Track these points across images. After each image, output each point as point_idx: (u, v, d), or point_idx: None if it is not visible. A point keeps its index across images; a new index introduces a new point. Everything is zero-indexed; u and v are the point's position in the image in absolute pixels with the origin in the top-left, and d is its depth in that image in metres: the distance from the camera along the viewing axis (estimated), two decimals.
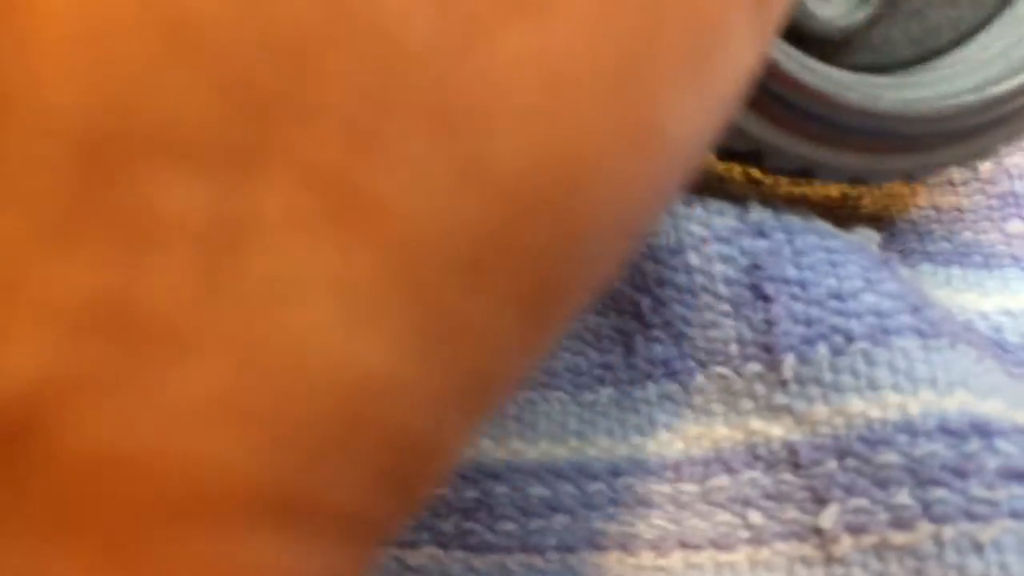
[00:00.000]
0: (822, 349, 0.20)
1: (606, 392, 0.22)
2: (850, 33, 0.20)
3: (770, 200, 0.21)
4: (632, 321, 0.22)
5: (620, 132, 0.11)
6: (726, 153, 0.21)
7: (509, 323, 0.11)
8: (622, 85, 0.11)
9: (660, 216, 0.13)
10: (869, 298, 0.20)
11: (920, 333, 0.20)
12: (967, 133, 0.20)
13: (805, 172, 0.20)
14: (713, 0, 0.12)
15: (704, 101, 0.12)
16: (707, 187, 0.22)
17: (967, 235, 0.23)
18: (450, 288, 0.11)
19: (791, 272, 0.21)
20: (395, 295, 0.10)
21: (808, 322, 0.20)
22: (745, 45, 0.13)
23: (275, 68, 0.10)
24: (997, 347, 0.21)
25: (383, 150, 0.10)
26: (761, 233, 0.21)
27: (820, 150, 0.20)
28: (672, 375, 0.21)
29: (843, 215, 0.23)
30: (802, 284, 0.20)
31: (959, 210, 0.23)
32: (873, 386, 0.19)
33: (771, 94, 0.19)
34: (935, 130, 0.20)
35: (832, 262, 0.21)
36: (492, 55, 0.10)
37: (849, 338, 0.20)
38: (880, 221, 0.23)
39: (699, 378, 0.21)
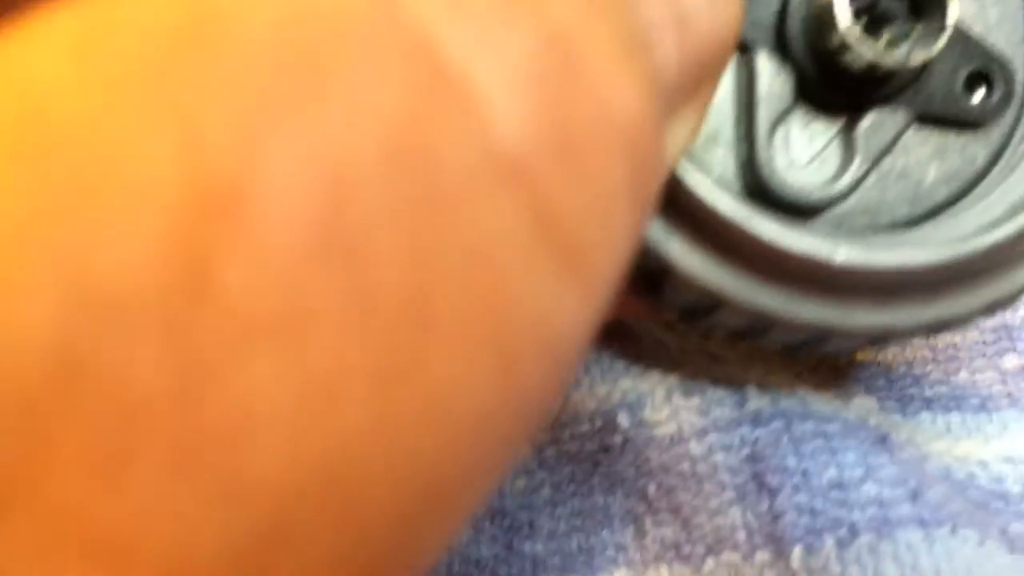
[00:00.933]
0: (828, 541, 0.20)
1: (620, 574, 0.22)
2: (833, 201, 0.20)
3: (769, 377, 0.21)
4: (640, 504, 0.22)
5: (396, 416, 0.11)
6: (735, 333, 0.20)
7: None
8: (392, 377, 0.11)
9: (493, 469, 0.13)
10: (870, 488, 0.20)
11: (922, 523, 0.20)
12: (994, 272, 0.19)
13: (817, 340, 0.19)
14: (498, 275, 0.12)
15: (506, 367, 0.12)
16: (704, 369, 0.22)
17: (963, 375, 0.23)
18: None
19: (791, 462, 0.21)
20: None
21: (812, 513, 0.20)
22: (555, 304, 0.12)
23: (7, 440, 0.10)
24: (999, 499, 0.22)
25: (127, 493, 0.10)
26: (759, 422, 0.21)
27: (829, 312, 0.18)
28: (683, 559, 0.22)
29: (839, 365, 0.23)
30: (804, 474, 0.20)
31: (954, 348, 0.23)
32: None
33: (760, 262, 0.18)
34: (949, 277, 0.18)
35: (831, 449, 0.21)
36: (237, 386, 0.10)
37: (854, 531, 0.20)
38: (876, 367, 0.23)
39: (709, 563, 0.21)
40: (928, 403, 0.22)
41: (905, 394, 0.23)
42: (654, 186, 0.15)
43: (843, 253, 0.18)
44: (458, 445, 0.12)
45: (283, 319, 0.10)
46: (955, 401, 0.22)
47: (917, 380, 0.23)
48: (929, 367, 0.23)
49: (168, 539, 0.10)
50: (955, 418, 0.22)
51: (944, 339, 0.23)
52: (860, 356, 0.23)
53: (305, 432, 0.11)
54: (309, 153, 0.10)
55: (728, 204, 0.18)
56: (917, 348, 0.23)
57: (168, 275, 0.10)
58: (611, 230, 0.13)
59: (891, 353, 0.23)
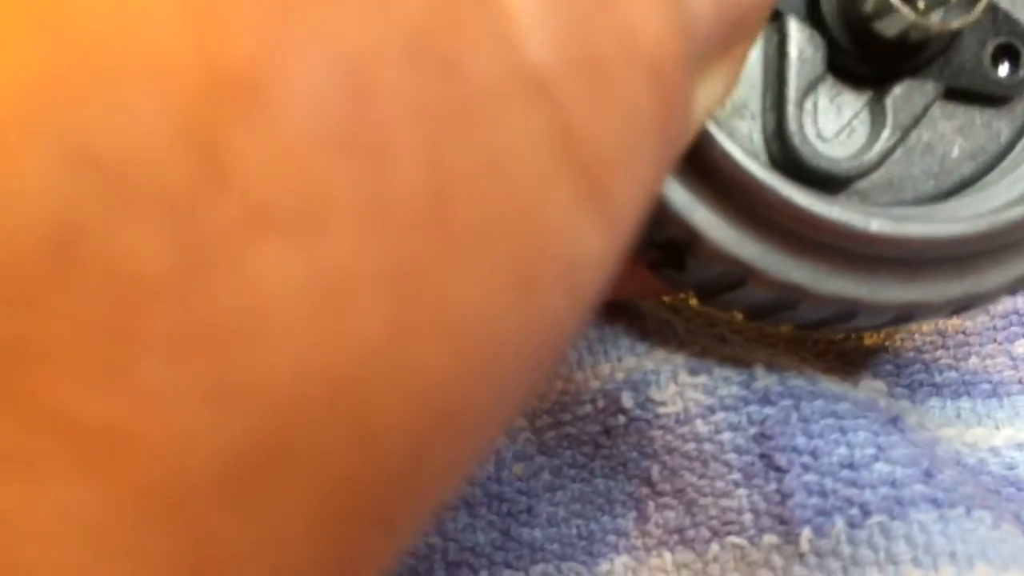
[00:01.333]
0: (839, 522, 0.19)
1: (621, 560, 0.21)
2: (862, 172, 0.19)
3: (776, 359, 0.21)
4: (643, 487, 0.21)
5: (411, 327, 0.10)
6: (758, 310, 0.19)
7: (301, 541, 0.10)
8: (409, 284, 0.10)
9: (509, 402, 0.12)
10: (882, 467, 0.19)
11: (936, 503, 0.19)
12: (1022, 247, 0.18)
13: (843, 317, 0.19)
14: (519, 191, 0.11)
15: (525, 291, 0.11)
16: (710, 349, 0.21)
17: (973, 360, 0.22)
18: (212, 512, 0.10)
19: (800, 441, 0.20)
20: (141, 526, 0.10)
21: (823, 494, 0.19)
22: (577, 231, 0.12)
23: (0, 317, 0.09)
24: (1011, 486, 0.21)
25: (120, 383, 0.09)
26: (767, 401, 0.20)
27: (860, 286, 0.18)
28: (686, 544, 0.21)
29: (847, 350, 0.22)
30: (813, 453, 0.20)
31: (964, 333, 0.22)
32: (893, 560, 0.19)
33: (791, 233, 0.18)
34: (979, 250, 0.18)
35: (841, 428, 0.20)
36: (244, 276, 0.10)
37: (865, 511, 0.19)
38: (885, 352, 0.22)
39: (714, 548, 0.20)
40: (937, 389, 0.22)
41: (914, 380, 0.22)
42: (680, 133, 0.14)
43: (876, 223, 0.17)
44: (475, 370, 0.11)
45: (298, 210, 0.10)
46: (965, 387, 0.22)
47: (926, 366, 0.22)
48: (939, 352, 0.22)
49: (166, 440, 0.10)
50: (965, 404, 0.22)
51: (953, 324, 0.22)
52: (868, 341, 0.22)
53: (315, 333, 0.10)
54: (332, 43, 0.10)
55: (761, 170, 0.17)
56: (926, 334, 0.22)
57: (178, 154, 0.09)
58: (635, 166, 0.12)
59: (899, 339, 0.22)
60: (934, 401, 0.22)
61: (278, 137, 0.10)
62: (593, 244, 0.12)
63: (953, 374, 0.22)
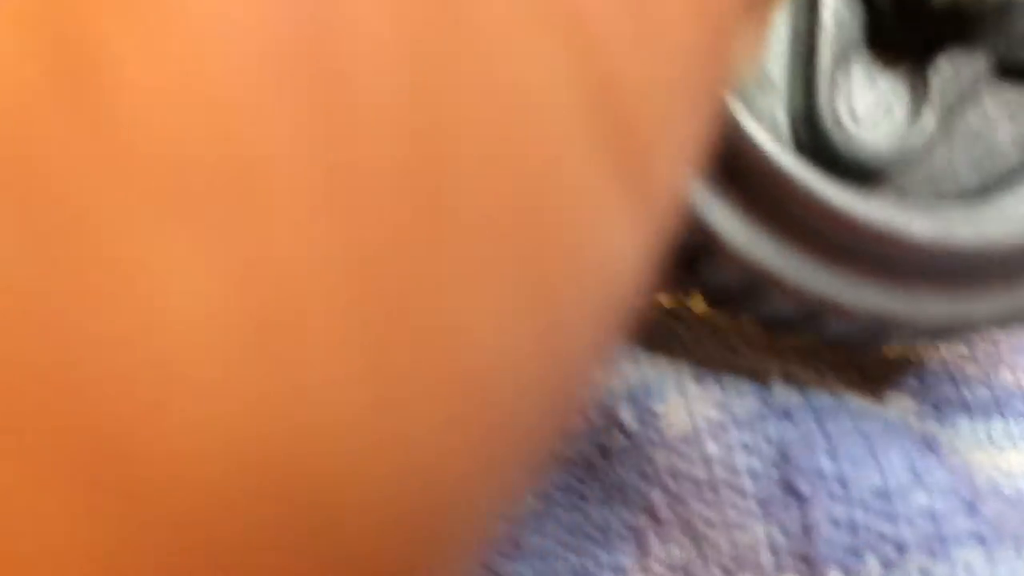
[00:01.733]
0: (871, 561, 0.17)
1: None
2: (902, 160, 0.16)
3: (792, 372, 0.18)
4: (643, 516, 0.18)
5: (391, 368, 0.07)
6: (776, 322, 0.17)
7: None
8: (385, 295, 0.07)
9: (518, 487, 0.09)
10: (920, 498, 0.17)
11: (982, 540, 0.16)
12: None
13: (874, 334, 0.16)
14: (531, 148, 0.08)
15: (543, 302, 0.08)
16: (720, 359, 0.18)
17: (1006, 376, 0.19)
18: None
19: (826, 465, 0.17)
20: None
21: (852, 528, 0.17)
22: (610, 221, 0.08)
23: None
24: None
25: None
26: (787, 416, 0.17)
27: (893, 300, 0.16)
28: None
29: (866, 364, 0.20)
30: (841, 480, 0.17)
31: (995, 344, 0.20)
32: None
33: (821, 236, 0.15)
34: None
35: (872, 451, 0.17)
36: (132, 293, 0.06)
37: (902, 549, 0.16)
38: (908, 365, 0.20)
39: None
40: (967, 407, 0.19)
41: (941, 397, 0.19)
42: (724, 85, 0.11)
43: (922, 226, 0.15)
44: (480, 438, 0.08)
45: (207, 169, 0.06)
46: (998, 406, 0.19)
47: (954, 381, 0.19)
48: (968, 366, 0.19)
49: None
50: (997, 425, 0.19)
51: (983, 335, 0.20)
52: (890, 353, 0.20)
53: (243, 366, 0.06)
54: None
55: (789, 158, 0.15)
56: (953, 345, 0.19)
57: (30, 68, 0.06)
58: (678, 126, 0.09)
59: (922, 352, 0.19)
60: (963, 421, 0.19)
61: (173, 49, 0.06)
62: (623, 237, 0.09)
63: (984, 391, 0.19)
